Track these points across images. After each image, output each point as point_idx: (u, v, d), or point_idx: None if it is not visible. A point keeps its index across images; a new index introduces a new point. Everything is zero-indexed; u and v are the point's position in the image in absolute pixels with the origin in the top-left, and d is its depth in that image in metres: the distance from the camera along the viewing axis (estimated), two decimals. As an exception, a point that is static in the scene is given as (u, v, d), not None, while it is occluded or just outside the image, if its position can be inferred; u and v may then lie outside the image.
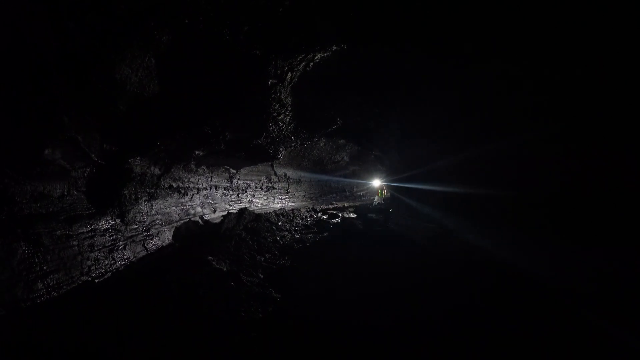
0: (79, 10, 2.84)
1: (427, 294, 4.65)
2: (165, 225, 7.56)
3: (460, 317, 3.94)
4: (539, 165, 5.06)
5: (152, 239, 6.87)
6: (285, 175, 16.36)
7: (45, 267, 4.23)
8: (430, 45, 4.96)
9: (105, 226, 5.52)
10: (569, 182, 4.69)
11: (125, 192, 5.94)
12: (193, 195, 9.42)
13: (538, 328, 3.67)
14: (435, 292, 4.68)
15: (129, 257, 5.92)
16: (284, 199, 17.00)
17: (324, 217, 14.81)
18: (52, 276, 4.30)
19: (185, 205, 8.97)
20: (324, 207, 20.00)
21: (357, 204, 19.73)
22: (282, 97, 6.42)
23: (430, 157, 7.53)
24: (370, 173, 22.57)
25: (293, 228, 11.72)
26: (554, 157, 4.78)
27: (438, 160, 7.22)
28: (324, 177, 20.37)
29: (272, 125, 7.47)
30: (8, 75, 3.06)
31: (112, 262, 5.45)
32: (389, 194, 17.67)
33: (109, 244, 5.51)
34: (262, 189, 14.78)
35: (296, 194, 18.13)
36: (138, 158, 5.82)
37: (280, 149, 9.76)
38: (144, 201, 6.77)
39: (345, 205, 19.56)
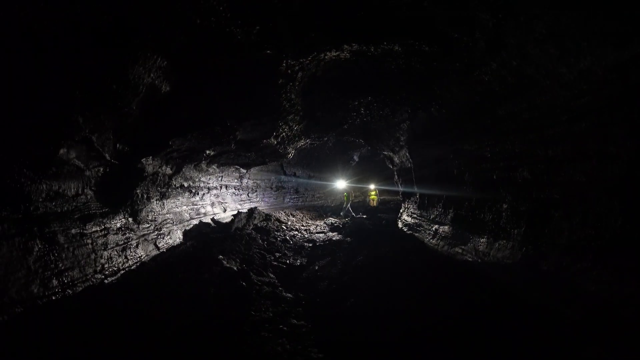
0: (93, 13, 2.88)
1: (439, 297, 4.57)
2: (176, 225, 7.64)
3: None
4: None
5: (163, 238, 6.95)
6: (295, 174, 16.39)
7: (60, 265, 4.31)
8: (441, 43, 4.85)
9: (118, 225, 5.60)
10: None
11: (138, 191, 6.01)
12: (204, 194, 9.51)
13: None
14: (445, 297, 4.60)
15: (141, 256, 6.00)
16: (294, 198, 17.03)
17: (334, 217, 14.79)
18: (67, 274, 4.37)
19: (196, 205, 9.06)
20: (332, 205, 19.98)
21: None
22: (293, 96, 6.41)
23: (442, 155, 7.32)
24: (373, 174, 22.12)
25: (303, 227, 11.73)
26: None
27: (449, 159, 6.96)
28: (333, 177, 20.35)
29: (282, 124, 7.47)
30: (25, 77, 3.12)
31: (124, 260, 5.53)
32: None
33: (121, 242, 5.59)
34: (271, 188, 14.84)
35: (305, 194, 18.14)
36: (150, 158, 5.89)
37: (290, 149, 9.76)
38: (156, 200, 6.85)
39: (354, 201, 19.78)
